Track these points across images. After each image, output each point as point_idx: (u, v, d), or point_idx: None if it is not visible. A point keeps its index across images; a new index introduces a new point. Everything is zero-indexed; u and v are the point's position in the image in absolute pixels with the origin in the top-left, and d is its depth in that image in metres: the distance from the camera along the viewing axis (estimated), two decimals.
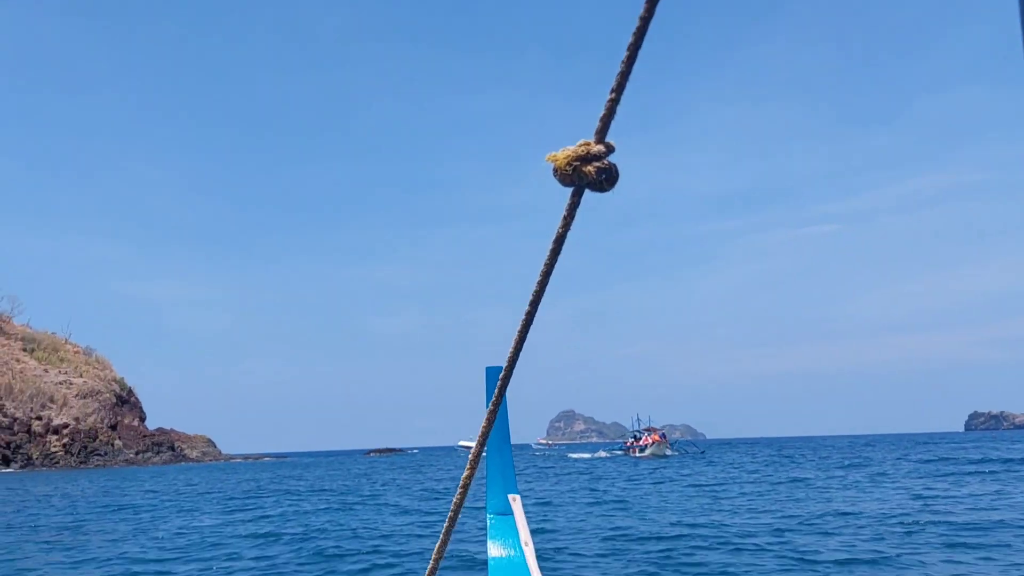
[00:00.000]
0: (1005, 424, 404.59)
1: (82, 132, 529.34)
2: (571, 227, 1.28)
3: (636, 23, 1.10)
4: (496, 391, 1.50)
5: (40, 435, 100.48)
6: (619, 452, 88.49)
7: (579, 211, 1.26)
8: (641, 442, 79.48)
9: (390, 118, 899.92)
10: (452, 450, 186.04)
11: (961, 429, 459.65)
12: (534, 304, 1.41)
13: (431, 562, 1.88)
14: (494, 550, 2.81)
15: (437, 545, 1.82)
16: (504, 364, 1.49)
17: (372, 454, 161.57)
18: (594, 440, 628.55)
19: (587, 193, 1.22)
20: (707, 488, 29.91)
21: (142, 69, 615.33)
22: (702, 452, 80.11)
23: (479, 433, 1.57)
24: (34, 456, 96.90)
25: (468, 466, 1.63)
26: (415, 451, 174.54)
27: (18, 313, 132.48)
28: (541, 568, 2.81)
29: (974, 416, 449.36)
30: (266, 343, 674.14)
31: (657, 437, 78.37)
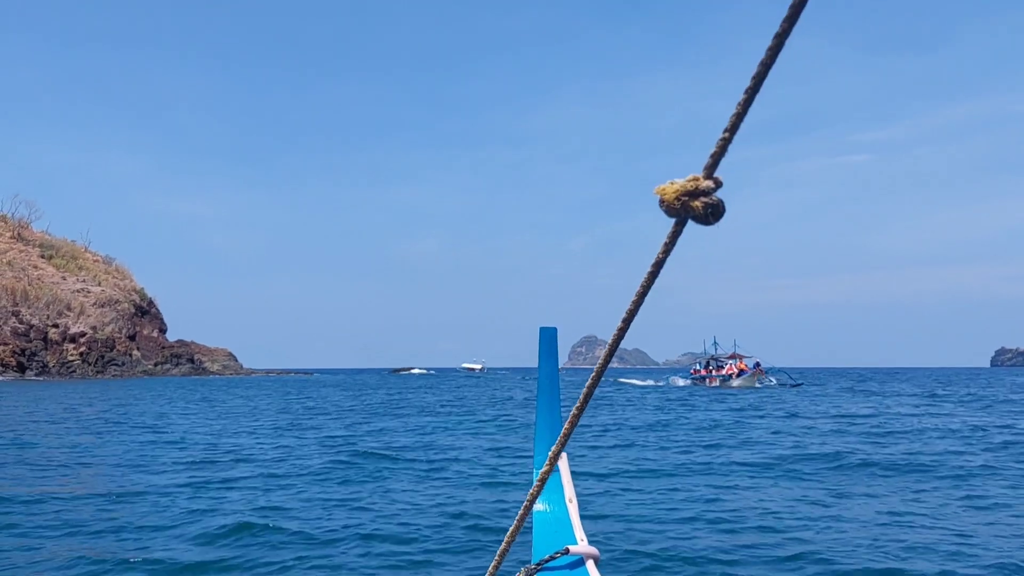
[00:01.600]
0: None
1: (113, 43, 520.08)
2: (670, 255, 1.30)
3: (755, 68, 1.08)
4: (583, 394, 1.56)
5: (57, 343, 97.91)
6: (688, 381, 72.38)
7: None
8: (725, 371, 65.91)
9: (417, 36, 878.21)
10: (453, 370, 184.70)
11: (987, 365, 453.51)
12: (626, 322, 1.42)
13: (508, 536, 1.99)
14: (539, 505, 2.82)
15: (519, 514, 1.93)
16: (594, 368, 1.54)
17: (399, 372, 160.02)
18: (616, 366, 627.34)
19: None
20: None
21: None
22: (799, 384, 65.51)
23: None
24: (50, 364, 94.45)
25: (551, 456, 1.78)
26: (423, 371, 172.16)
27: (36, 218, 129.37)
28: None
29: (1001, 352, 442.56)
30: (292, 261, 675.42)
31: (744, 366, 64.71)
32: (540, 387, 2.92)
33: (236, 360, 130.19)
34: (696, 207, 1.17)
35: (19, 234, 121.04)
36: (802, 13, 1.00)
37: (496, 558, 2.03)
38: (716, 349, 69.73)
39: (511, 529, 1.94)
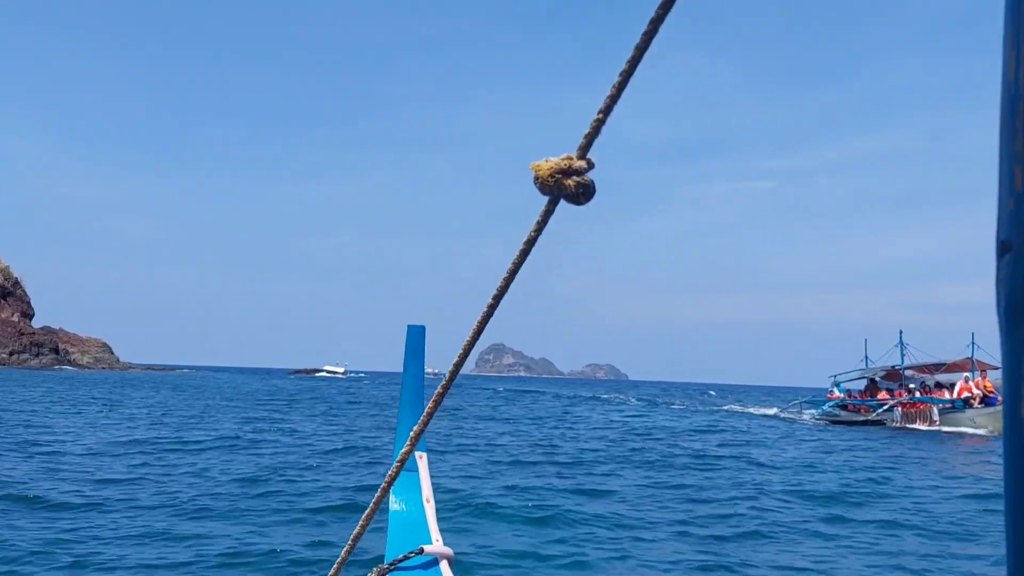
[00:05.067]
0: None
1: (10, 17, 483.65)
2: (542, 233, 1.31)
3: (631, 52, 1.12)
4: (439, 390, 1.54)
5: None
6: (829, 411, 40.01)
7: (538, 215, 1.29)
8: (955, 393, 33.47)
9: (335, 31, 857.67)
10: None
11: None
12: (494, 304, 1.40)
13: (363, 519, 1.93)
14: (396, 504, 2.86)
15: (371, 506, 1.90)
16: (454, 364, 1.49)
17: (295, 374, 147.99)
18: (522, 374, 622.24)
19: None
20: None
21: None
22: None
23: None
24: None
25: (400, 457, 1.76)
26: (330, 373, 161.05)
27: None
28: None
29: None
30: (186, 252, 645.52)
31: (991, 385, 32.87)
32: (404, 388, 2.77)
33: (111, 353, 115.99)
34: (568, 186, 1.17)
35: None
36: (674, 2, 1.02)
37: (349, 543, 1.97)
38: (904, 356, 36.36)
39: (364, 515, 1.88)
